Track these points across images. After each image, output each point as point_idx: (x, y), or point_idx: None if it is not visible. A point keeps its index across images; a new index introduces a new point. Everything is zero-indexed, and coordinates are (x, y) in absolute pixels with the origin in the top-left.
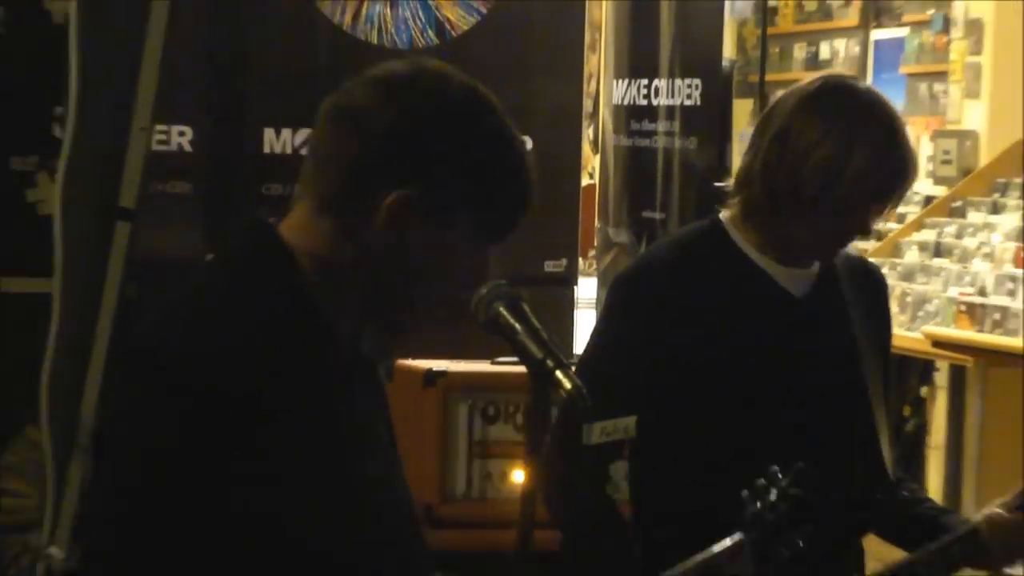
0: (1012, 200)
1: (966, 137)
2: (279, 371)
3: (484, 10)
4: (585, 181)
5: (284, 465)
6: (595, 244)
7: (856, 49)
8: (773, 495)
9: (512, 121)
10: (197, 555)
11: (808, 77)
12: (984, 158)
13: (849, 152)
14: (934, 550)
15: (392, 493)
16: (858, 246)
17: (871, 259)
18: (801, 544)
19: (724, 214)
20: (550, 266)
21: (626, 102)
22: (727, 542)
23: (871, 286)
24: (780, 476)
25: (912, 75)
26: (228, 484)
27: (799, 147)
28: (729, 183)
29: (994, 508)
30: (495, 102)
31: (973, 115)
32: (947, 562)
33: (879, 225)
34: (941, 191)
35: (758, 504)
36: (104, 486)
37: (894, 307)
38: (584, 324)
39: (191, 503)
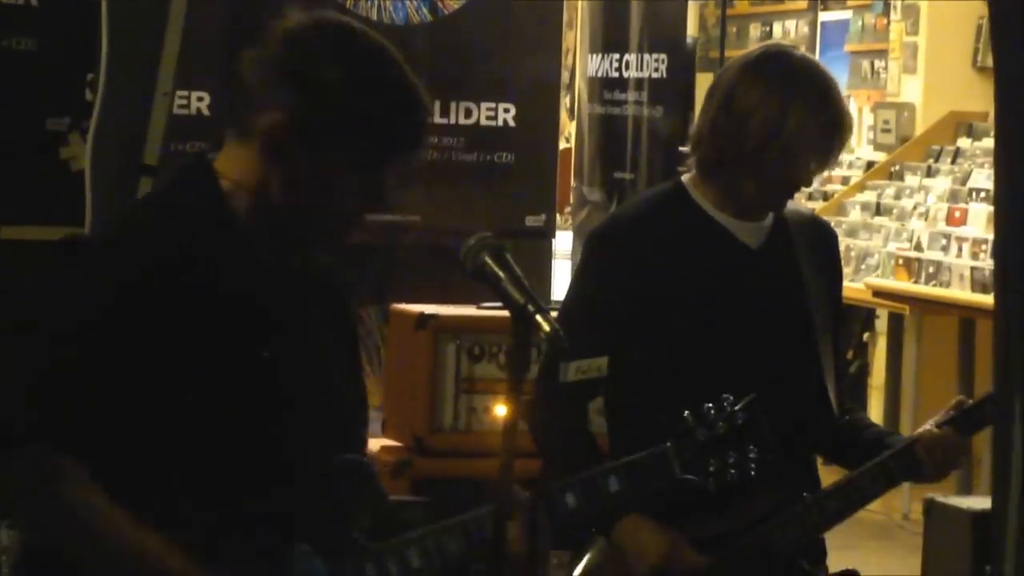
0: (945, 165)
1: (903, 108)
2: (185, 261)
3: None
4: (562, 145)
5: (179, 339)
6: (571, 201)
7: (805, 29)
8: (715, 418)
9: (409, 74)
10: (115, 412)
11: None
12: (920, 127)
13: (785, 113)
14: (873, 465)
15: (302, 380)
16: (808, 205)
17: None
18: (744, 461)
19: (685, 176)
20: (530, 221)
21: (600, 74)
22: (655, 450)
23: (822, 240)
24: (728, 403)
25: (855, 53)
26: (135, 350)
27: (741, 109)
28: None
29: (926, 427)
30: (391, 54)
31: (910, 89)
32: (886, 476)
33: (826, 187)
34: (881, 157)
35: (695, 422)
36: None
37: None
38: (561, 273)
39: (106, 364)
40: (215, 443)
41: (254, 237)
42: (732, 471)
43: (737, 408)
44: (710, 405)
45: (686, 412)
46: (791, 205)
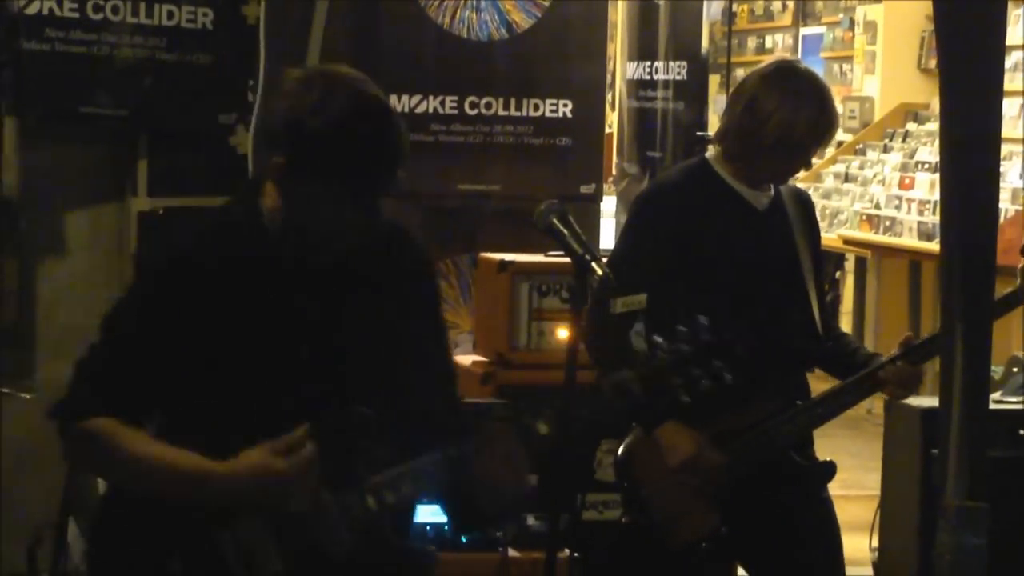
0: (897, 144)
1: (865, 101)
2: (219, 261)
3: (539, 13)
4: (607, 131)
5: (210, 318)
6: (613, 174)
7: (790, 41)
8: (680, 340)
9: (383, 113)
10: (159, 378)
11: (756, 61)
12: (878, 115)
13: (797, 115)
14: (854, 380)
15: (317, 349)
16: (791, 182)
17: (801, 184)
18: (713, 374)
19: (709, 153)
20: (583, 189)
21: (635, 77)
22: (616, 376)
23: (803, 204)
24: (696, 326)
25: (828, 58)
26: (163, 322)
27: (762, 112)
28: (707, 133)
29: (886, 360)
30: (367, 98)
31: (870, 86)
32: (861, 390)
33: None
34: (849, 137)
35: (664, 347)
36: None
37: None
38: (607, 229)
39: (137, 326)
40: (244, 399)
41: (282, 246)
42: (703, 382)
43: (700, 331)
44: (682, 328)
45: (658, 338)
46: None
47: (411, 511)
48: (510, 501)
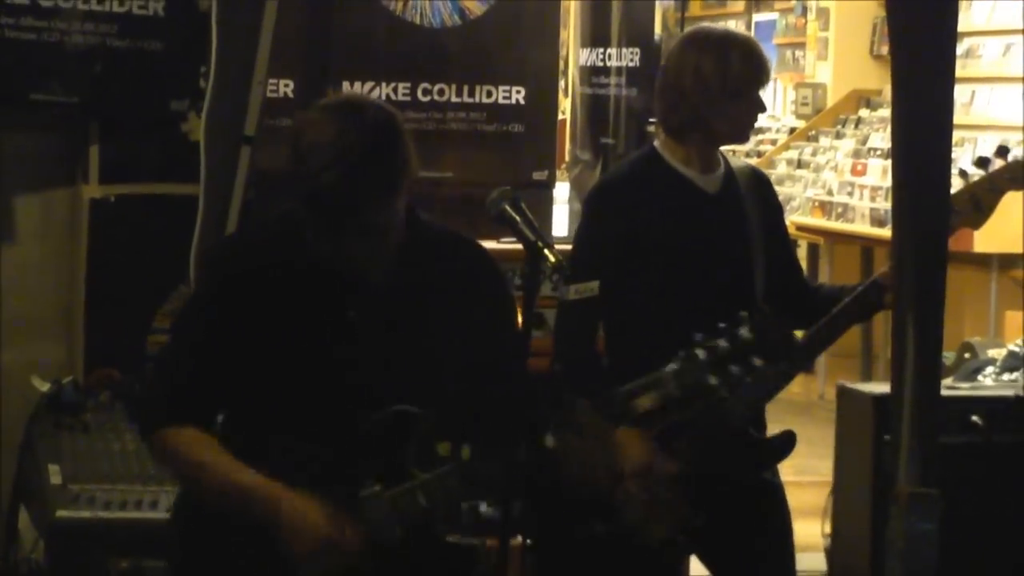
0: (849, 131)
1: (817, 87)
2: (263, 268)
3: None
4: (560, 117)
5: (259, 319)
6: (567, 160)
7: (742, 27)
8: (717, 336)
9: (355, 145)
10: (222, 380)
11: None
12: (830, 101)
13: (724, 60)
14: (841, 306)
15: (347, 350)
16: (746, 161)
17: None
18: (754, 370)
19: (656, 142)
20: (536, 175)
21: (588, 63)
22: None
23: (759, 183)
24: (729, 326)
25: (781, 45)
26: (224, 324)
27: (691, 73)
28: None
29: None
30: (342, 132)
31: (822, 72)
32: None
33: (759, 147)
34: (801, 124)
35: (700, 341)
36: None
37: None
38: (559, 215)
39: (203, 333)
40: (299, 399)
41: (314, 251)
42: (746, 379)
43: (741, 324)
44: (723, 324)
45: (697, 335)
46: (736, 161)
47: (460, 507)
48: (590, 484)
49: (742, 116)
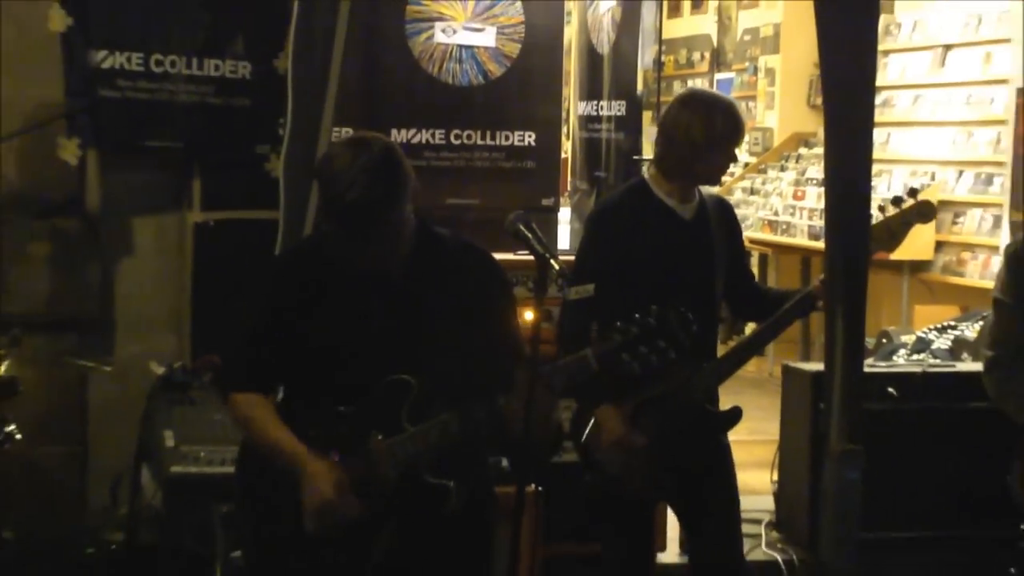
0: (791, 165)
1: (766, 131)
2: (298, 272)
3: (508, 63)
4: (563, 156)
5: (304, 309)
6: (568, 189)
7: (707, 84)
8: (632, 323)
9: (367, 174)
10: (277, 355)
11: None
12: (776, 142)
13: (710, 119)
14: (784, 309)
15: (366, 334)
16: (714, 192)
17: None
18: (658, 351)
19: (645, 174)
20: (545, 201)
21: (585, 113)
22: (579, 354)
23: (723, 210)
24: (648, 312)
25: (738, 98)
26: (280, 317)
27: (683, 127)
28: (643, 157)
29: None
30: (362, 162)
31: (770, 119)
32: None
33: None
34: (753, 159)
35: (619, 329)
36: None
37: None
38: (563, 233)
39: (266, 321)
40: (329, 371)
41: (339, 262)
42: (652, 358)
43: (649, 315)
44: (637, 315)
45: (618, 323)
46: (706, 191)
47: (442, 454)
48: (539, 435)
49: (718, 165)
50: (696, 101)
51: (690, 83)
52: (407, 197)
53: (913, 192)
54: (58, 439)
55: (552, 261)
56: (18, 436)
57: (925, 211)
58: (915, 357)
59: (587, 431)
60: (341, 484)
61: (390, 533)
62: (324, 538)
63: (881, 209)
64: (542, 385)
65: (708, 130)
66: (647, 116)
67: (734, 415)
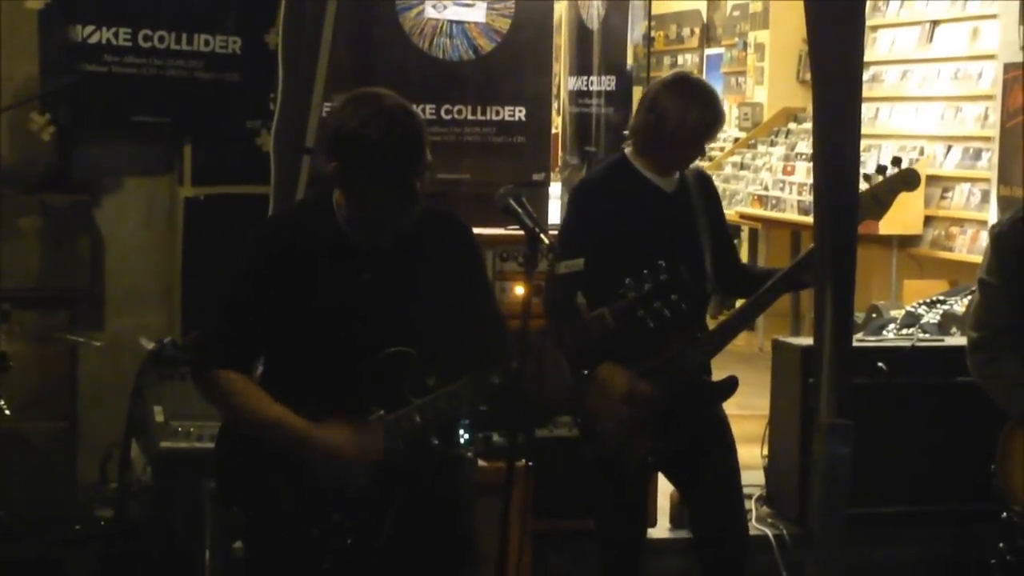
0: (781, 140)
1: (755, 107)
2: (278, 244)
3: (499, 38)
4: (553, 131)
5: (294, 284)
6: (559, 164)
7: (696, 59)
8: (644, 279)
9: (405, 119)
10: (260, 332)
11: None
12: (765, 117)
13: (687, 113)
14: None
15: (373, 305)
16: (699, 164)
17: (708, 169)
18: (671, 304)
19: (627, 150)
20: (536, 176)
21: (575, 88)
22: (596, 312)
23: (703, 182)
24: (658, 267)
25: (727, 73)
26: (263, 290)
27: (660, 113)
28: (627, 134)
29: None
30: (392, 109)
31: (759, 94)
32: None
33: (710, 152)
34: (743, 134)
35: (632, 286)
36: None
37: None
38: (553, 208)
39: (247, 295)
40: (319, 345)
41: (349, 230)
42: (666, 312)
43: (661, 270)
44: (646, 271)
45: (627, 280)
46: None
47: (450, 424)
48: (553, 398)
49: (685, 156)
50: (677, 88)
51: (680, 58)
52: (426, 164)
53: (897, 161)
54: (47, 414)
55: (542, 236)
56: (7, 411)
57: (910, 178)
58: (904, 331)
59: (578, 398)
60: (356, 439)
61: (399, 507)
62: (340, 496)
63: (866, 179)
64: (554, 346)
65: (680, 122)
66: (637, 91)
67: (730, 385)
